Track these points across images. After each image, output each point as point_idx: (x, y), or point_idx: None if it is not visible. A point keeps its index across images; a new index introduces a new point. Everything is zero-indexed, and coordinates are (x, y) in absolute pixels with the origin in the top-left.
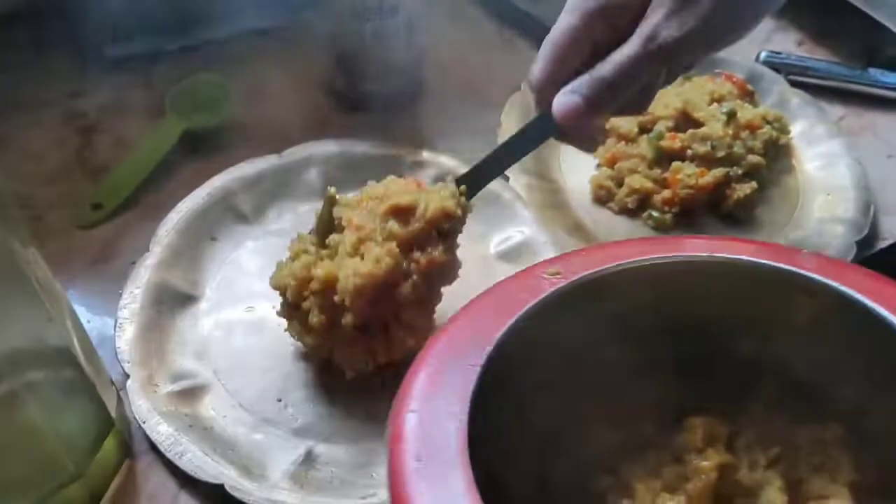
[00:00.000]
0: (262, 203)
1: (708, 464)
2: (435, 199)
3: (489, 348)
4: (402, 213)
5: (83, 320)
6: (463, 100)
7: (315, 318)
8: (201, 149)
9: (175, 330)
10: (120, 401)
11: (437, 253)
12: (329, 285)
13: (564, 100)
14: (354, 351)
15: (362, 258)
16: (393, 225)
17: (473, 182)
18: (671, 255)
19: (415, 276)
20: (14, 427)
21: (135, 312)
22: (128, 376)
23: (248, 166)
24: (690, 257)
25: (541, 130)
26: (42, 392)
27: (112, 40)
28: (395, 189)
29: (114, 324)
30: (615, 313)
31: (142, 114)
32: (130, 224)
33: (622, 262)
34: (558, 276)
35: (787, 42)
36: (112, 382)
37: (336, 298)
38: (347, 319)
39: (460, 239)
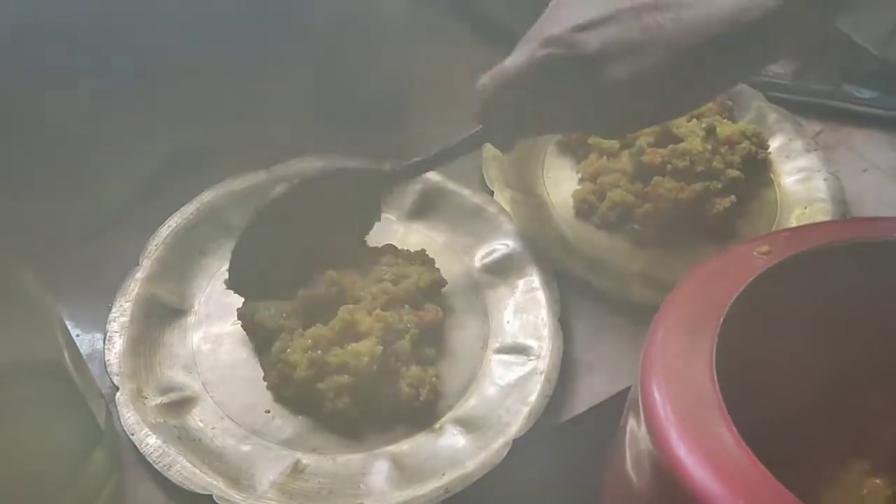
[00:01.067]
0: None
1: None
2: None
3: (721, 318)
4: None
5: (73, 334)
6: (446, 113)
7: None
8: (190, 166)
9: (164, 343)
10: (109, 413)
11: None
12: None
13: None
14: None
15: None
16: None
17: (406, 174)
18: (881, 236)
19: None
20: (4, 439)
21: (124, 326)
22: (117, 389)
23: (237, 182)
24: None
25: (475, 141)
26: (32, 405)
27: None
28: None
29: (103, 337)
30: (826, 290)
31: (131, 133)
32: (120, 240)
33: (831, 240)
34: (768, 254)
35: None
36: (101, 395)
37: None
38: (339, 405)
39: (447, 252)
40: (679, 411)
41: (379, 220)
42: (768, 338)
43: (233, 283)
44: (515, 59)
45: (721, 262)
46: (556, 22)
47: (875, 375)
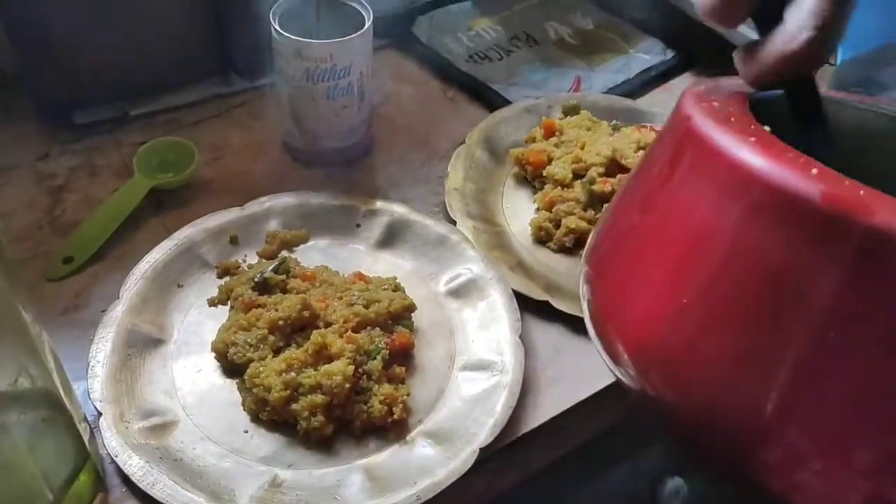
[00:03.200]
0: (225, 252)
1: None
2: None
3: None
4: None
5: None
6: (412, 153)
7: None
8: (167, 204)
9: (145, 371)
10: (93, 437)
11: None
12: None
13: None
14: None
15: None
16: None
17: None
18: None
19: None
20: None
21: (106, 355)
22: (100, 414)
23: (212, 219)
24: None
25: None
26: (25, 427)
27: (80, 107)
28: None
29: (86, 366)
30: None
31: (109, 175)
32: (100, 276)
33: None
34: None
35: None
36: (86, 420)
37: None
38: (314, 424)
39: (413, 278)
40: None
41: None
42: None
43: None
44: None
45: None
46: None
47: None
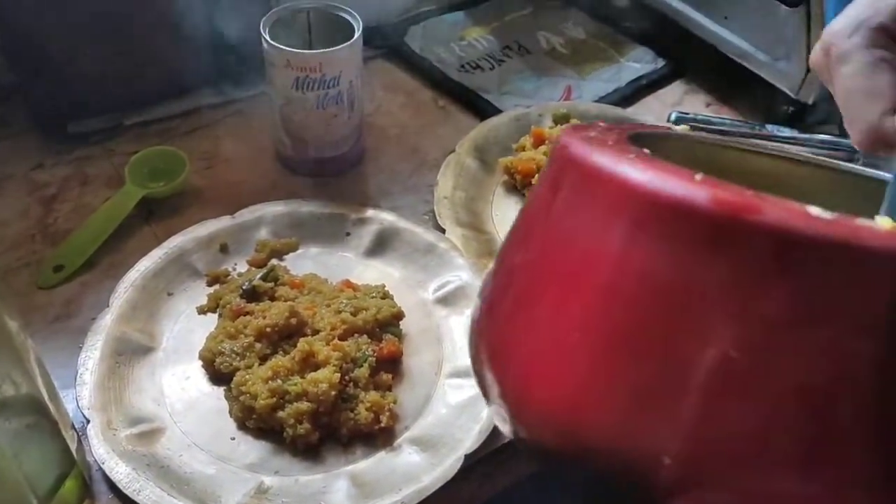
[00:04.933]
0: (215, 261)
1: None
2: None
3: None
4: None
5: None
6: (402, 162)
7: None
8: (158, 213)
9: (133, 378)
10: (80, 444)
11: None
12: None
13: None
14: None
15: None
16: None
17: None
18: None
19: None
20: None
21: (95, 363)
22: (88, 421)
23: (203, 227)
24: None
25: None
26: (10, 434)
27: (74, 117)
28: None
29: (75, 374)
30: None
31: (102, 184)
32: (90, 284)
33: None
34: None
35: (697, 103)
36: (73, 427)
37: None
38: (300, 431)
39: (402, 286)
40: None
41: None
42: None
43: None
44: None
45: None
46: None
47: None
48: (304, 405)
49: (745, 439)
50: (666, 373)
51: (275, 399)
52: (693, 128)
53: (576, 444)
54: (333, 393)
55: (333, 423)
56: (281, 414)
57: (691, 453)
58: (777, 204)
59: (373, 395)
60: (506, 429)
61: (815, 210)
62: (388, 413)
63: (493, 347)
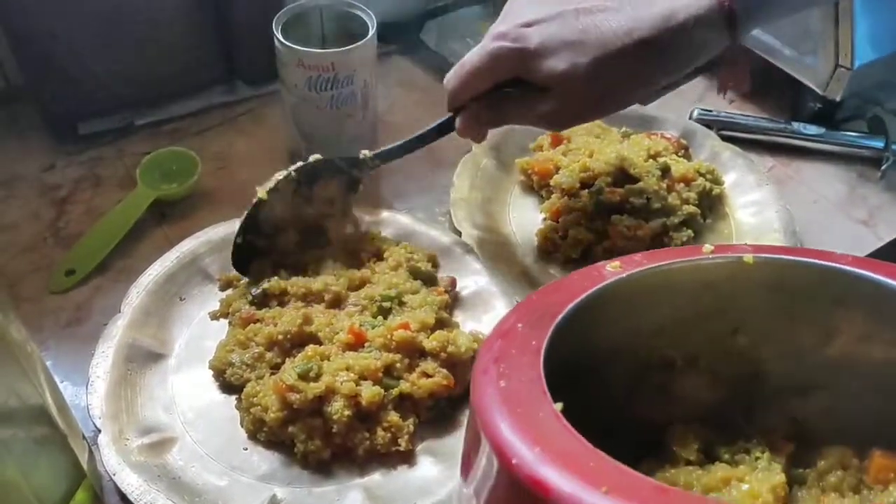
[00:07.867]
0: (227, 265)
1: None
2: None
3: (559, 318)
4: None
5: (57, 380)
6: (418, 162)
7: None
8: (170, 215)
9: (145, 386)
10: (91, 455)
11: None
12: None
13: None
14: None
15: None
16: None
17: (386, 157)
18: (720, 255)
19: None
20: None
21: (106, 370)
22: (99, 431)
23: (215, 230)
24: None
25: (444, 128)
26: (16, 447)
27: (84, 118)
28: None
29: (86, 382)
30: (665, 302)
31: (113, 185)
32: (102, 288)
33: (675, 260)
34: (619, 269)
35: (719, 100)
36: (84, 437)
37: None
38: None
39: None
40: (506, 392)
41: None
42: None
43: (235, 264)
44: (472, 53)
45: (578, 274)
46: (506, 20)
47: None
48: (315, 421)
49: None
50: None
51: (285, 413)
52: (713, 125)
53: None
54: (348, 413)
55: (347, 442)
56: (292, 429)
57: None
58: None
59: (393, 417)
60: None
61: None
62: (406, 437)
63: None
